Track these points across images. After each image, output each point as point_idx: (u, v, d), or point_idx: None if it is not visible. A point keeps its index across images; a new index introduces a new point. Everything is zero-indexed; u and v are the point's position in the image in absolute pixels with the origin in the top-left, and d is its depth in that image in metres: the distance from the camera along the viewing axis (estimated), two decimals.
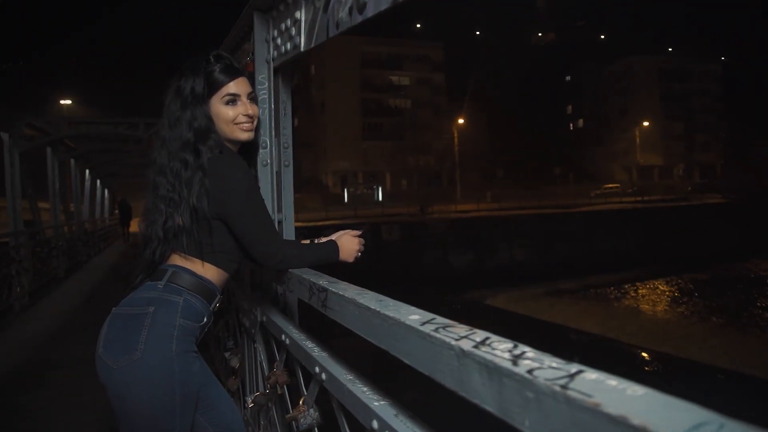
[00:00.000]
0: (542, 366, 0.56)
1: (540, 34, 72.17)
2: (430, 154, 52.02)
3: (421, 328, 0.75)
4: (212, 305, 1.50)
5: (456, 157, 44.26)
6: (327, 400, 1.36)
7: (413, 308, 0.87)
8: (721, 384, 9.74)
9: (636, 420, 0.43)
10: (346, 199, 44.16)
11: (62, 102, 29.36)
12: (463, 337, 0.69)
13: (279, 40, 2.01)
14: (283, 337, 1.61)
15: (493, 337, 0.67)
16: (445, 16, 61.47)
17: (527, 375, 0.55)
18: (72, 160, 12.80)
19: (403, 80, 53.40)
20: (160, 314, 1.36)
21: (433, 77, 53.93)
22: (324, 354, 1.33)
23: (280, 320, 1.72)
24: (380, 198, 45.34)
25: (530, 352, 0.61)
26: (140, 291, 1.43)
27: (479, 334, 0.70)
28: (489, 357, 0.61)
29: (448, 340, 0.69)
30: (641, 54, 57.38)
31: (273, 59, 2.10)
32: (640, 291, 19.70)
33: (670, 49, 61.34)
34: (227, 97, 1.50)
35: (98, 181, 17.85)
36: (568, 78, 67.28)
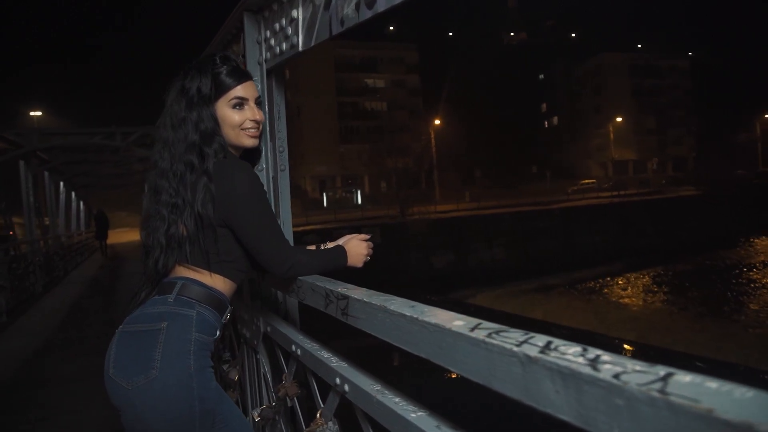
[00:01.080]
0: (626, 370, 0.52)
1: (512, 34, 72.82)
2: (408, 156, 51.96)
3: (472, 335, 0.71)
4: (224, 317, 1.43)
5: (434, 158, 44.37)
6: (342, 412, 1.31)
7: (453, 313, 0.83)
8: (703, 372, 9.87)
9: (764, 426, 0.39)
10: (325, 204, 43.84)
11: (32, 113, 28.49)
12: (522, 342, 0.65)
13: (273, 41, 1.95)
14: (293, 347, 1.54)
15: (557, 341, 0.63)
16: (418, 18, 61.78)
17: (614, 381, 0.51)
18: (46, 173, 12.50)
19: (378, 83, 53.52)
20: (174, 329, 1.28)
21: (408, 79, 54.10)
22: (344, 364, 1.26)
23: (287, 330, 1.66)
24: (359, 201, 45.17)
25: (605, 355, 0.57)
26: (147, 306, 1.35)
27: (539, 338, 0.65)
28: (563, 363, 0.56)
29: (508, 346, 0.65)
30: (612, 50, 58.26)
31: (266, 61, 2.04)
32: (619, 284, 19.97)
33: (639, 46, 62.44)
34: (234, 101, 1.45)
35: (73, 193, 17.49)
36: (541, 76, 68.01)
